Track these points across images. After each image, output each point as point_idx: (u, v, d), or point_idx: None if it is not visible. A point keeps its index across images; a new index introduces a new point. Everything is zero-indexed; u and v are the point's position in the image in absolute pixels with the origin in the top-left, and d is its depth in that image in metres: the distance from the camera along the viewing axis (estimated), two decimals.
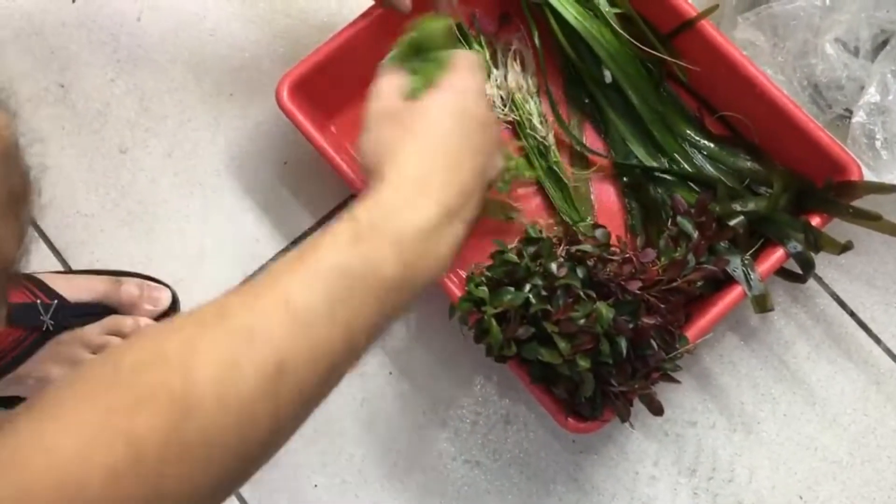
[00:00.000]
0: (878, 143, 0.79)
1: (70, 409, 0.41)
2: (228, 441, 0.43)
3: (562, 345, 0.66)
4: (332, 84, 0.81)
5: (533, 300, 0.67)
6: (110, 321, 0.80)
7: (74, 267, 0.86)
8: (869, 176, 0.76)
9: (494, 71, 0.86)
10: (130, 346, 0.47)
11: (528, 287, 0.68)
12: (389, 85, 0.61)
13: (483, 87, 0.62)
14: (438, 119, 0.58)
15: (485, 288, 0.69)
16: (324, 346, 0.47)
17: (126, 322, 0.81)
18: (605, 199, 0.85)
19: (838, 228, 0.77)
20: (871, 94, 0.79)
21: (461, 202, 0.56)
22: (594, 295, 0.67)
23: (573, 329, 0.66)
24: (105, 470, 0.39)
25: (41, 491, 0.38)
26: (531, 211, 0.84)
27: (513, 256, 0.70)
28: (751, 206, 0.77)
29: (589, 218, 0.83)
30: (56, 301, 0.78)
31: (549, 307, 0.66)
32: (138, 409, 0.41)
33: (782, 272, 0.79)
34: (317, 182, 0.87)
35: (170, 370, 0.43)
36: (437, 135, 0.57)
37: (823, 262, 0.85)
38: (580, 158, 0.85)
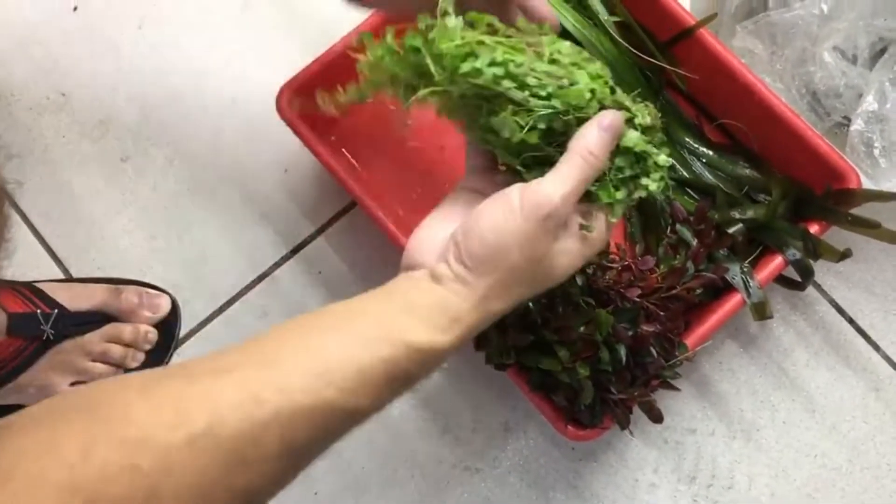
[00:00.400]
0: (876, 151, 0.79)
1: (23, 480, 0.39)
2: None
3: (561, 352, 0.66)
4: (332, 92, 0.81)
5: (532, 308, 0.67)
6: (110, 329, 0.81)
7: (75, 274, 0.86)
8: (867, 184, 0.76)
9: None
10: (100, 442, 0.41)
11: None
12: (570, 200, 0.52)
13: None
14: (554, 279, 0.54)
15: None
16: (304, 468, 0.48)
17: (126, 330, 0.81)
18: None
19: (837, 236, 0.78)
20: (870, 102, 0.79)
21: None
22: (593, 302, 0.67)
23: (573, 337, 0.66)
24: None
25: None
26: None
27: None
28: (750, 213, 0.77)
29: None
30: (56, 310, 0.78)
31: (548, 315, 0.67)
32: None
33: (781, 280, 0.79)
34: (317, 190, 0.88)
35: (140, 479, 0.40)
36: (536, 290, 0.54)
37: (822, 270, 0.85)
38: None
